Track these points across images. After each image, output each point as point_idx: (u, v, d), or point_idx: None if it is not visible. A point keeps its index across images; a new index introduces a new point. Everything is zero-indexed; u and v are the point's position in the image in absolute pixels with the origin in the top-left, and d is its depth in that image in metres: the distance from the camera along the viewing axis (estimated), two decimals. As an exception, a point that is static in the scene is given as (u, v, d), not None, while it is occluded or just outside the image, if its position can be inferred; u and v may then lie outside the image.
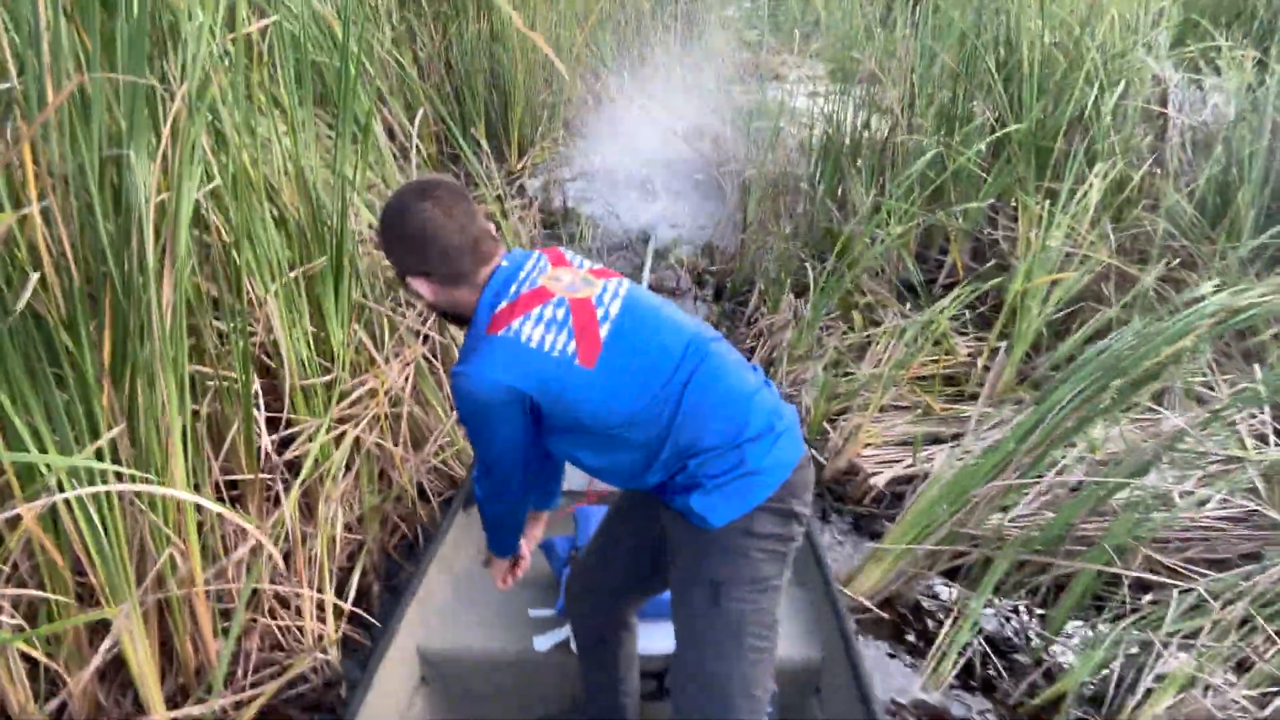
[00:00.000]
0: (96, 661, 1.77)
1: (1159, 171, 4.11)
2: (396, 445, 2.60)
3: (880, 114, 4.51)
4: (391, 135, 3.71)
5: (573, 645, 2.02)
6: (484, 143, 4.55)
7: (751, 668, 1.49)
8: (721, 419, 1.46)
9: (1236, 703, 2.12)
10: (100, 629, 1.91)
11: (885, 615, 2.58)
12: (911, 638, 2.55)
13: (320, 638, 2.16)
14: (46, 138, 1.61)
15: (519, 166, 5.37)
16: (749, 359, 3.86)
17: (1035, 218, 3.69)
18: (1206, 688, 2.14)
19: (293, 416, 2.28)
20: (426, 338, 2.90)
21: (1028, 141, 4.17)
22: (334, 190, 2.33)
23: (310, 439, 2.23)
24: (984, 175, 4.19)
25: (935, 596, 2.69)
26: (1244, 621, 2.23)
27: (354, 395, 2.43)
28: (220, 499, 2.11)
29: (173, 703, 2.01)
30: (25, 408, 1.64)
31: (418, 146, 3.33)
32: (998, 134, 4.14)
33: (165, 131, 1.77)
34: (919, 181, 4.04)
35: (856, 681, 1.87)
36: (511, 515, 1.69)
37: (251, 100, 2.23)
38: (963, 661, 2.39)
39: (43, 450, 1.65)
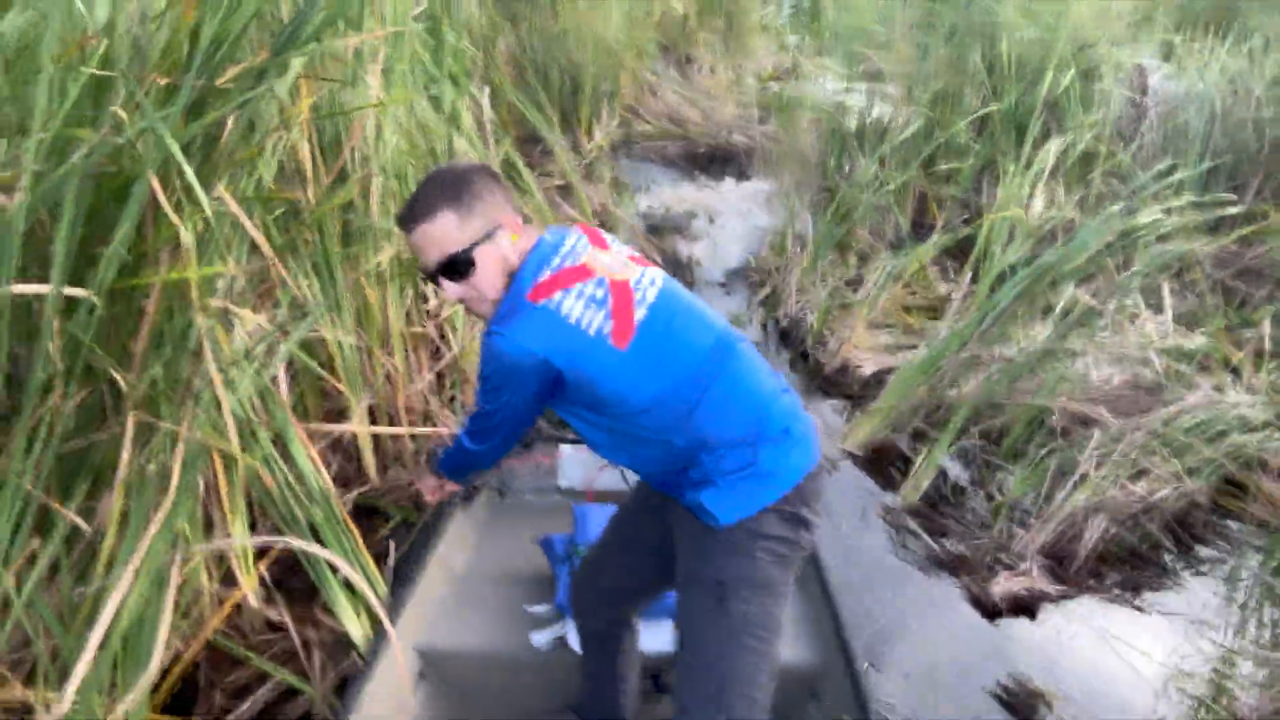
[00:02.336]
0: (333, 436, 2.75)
1: (1123, 145, 4.97)
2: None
3: (882, 99, 5.45)
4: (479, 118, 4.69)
5: (570, 642, 2.10)
6: (558, 126, 5.54)
7: (752, 669, 1.50)
8: (741, 415, 1.51)
9: (1135, 493, 2.97)
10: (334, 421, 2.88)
11: (874, 458, 3.48)
12: (894, 474, 3.43)
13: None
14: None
15: (588, 148, 6.36)
16: (771, 299, 4.80)
17: (1008, 178, 4.57)
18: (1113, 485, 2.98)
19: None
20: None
21: (1008, 119, 5.06)
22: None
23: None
24: (971, 146, 5.09)
25: (913, 447, 3.57)
26: (1145, 444, 3.10)
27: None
28: (405, 348, 3.10)
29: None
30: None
31: (498, 127, 4.28)
32: (980, 113, 5.04)
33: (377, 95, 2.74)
34: (913, 151, 4.94)
35: (853, 686, 1.88)
36: (481, 459, 1.74)
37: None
38: (929, 485, 3.25)
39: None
